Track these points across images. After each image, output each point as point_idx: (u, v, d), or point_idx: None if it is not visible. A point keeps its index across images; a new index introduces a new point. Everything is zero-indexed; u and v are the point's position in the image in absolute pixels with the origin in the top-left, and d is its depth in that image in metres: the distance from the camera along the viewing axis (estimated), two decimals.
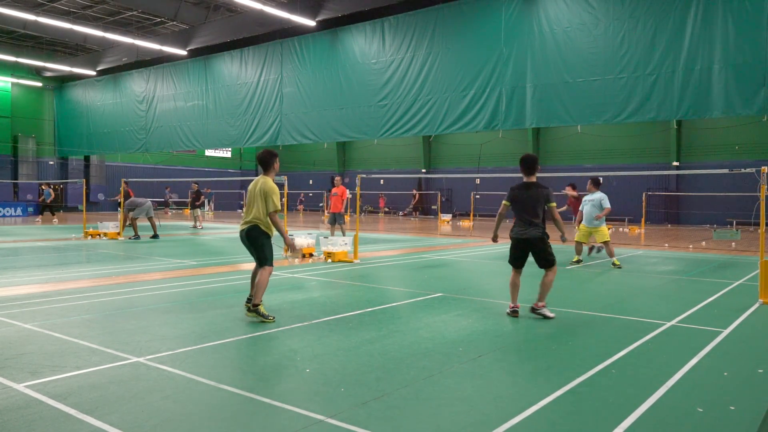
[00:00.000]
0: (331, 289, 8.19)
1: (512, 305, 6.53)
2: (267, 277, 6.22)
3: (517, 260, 6.60)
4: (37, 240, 15.73)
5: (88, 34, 25.11)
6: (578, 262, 11.87)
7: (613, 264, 11.43)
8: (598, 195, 11.66)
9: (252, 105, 23.54)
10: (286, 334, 5.53)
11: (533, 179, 6.54)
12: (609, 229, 12.17)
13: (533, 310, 6.43)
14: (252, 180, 6.84)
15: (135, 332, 5.46)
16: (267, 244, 6.32)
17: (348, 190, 16.32)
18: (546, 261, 6.47)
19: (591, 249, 13.24)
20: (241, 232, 6.37)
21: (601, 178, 12.01)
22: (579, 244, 11.93)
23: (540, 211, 6.41)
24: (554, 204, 6.45)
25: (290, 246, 6.50)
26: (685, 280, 9.66)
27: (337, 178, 14.95)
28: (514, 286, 6.57)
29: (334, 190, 15.25)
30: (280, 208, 6.37)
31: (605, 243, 11.57)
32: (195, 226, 21.70)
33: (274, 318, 6.10)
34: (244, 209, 6.54)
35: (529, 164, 6.54)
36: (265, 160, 6.44)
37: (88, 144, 31.82)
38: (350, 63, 20.57)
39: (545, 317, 6.31)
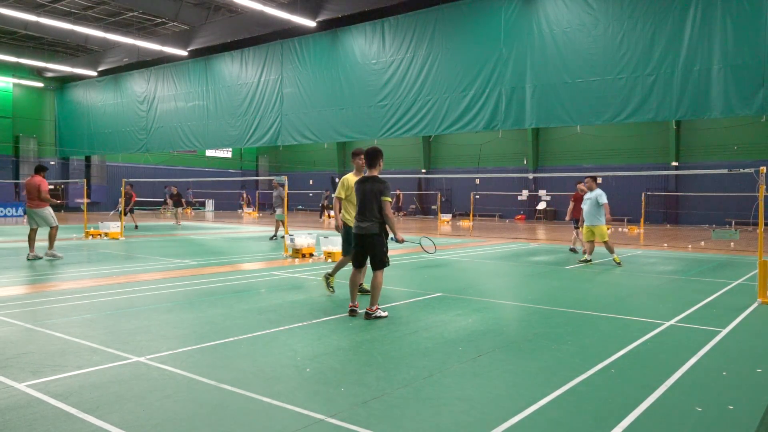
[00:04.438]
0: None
1: (350, 304, 6.41)
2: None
3: (356, 258, 6.46)
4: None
5: (89, 34, 25.14)
6: (586, 261, 11.74)
7: (614, 261, 11.49)
8: (596, 192, 11.59)
9: (252, 105, 23.55)
10: (286, 334, 5.55)
11: (374, 173, 6.37)
12: (608, 229, 12.15)
13: (368, 315, 6.17)
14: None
15: (136, 332, 5.47)
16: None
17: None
18: (377, 262, 6.26)
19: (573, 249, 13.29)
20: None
21: (599, 177, 11.91)
22: (590, 243, 11.76)
23: (376, 206, 6.20)
24: (388, 199, 6.18)
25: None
26: (684, 280, 9.67)
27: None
28: (353, 285, 6.44)
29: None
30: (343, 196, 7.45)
31: (604, 242, 11.55)
32: (176, 223, 22.22)
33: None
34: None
35: (370, 157, 6.37)
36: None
37: (89, 144, 31.86)
38: (350, 63, 20.58)
39: (380, 317, 6.17)
